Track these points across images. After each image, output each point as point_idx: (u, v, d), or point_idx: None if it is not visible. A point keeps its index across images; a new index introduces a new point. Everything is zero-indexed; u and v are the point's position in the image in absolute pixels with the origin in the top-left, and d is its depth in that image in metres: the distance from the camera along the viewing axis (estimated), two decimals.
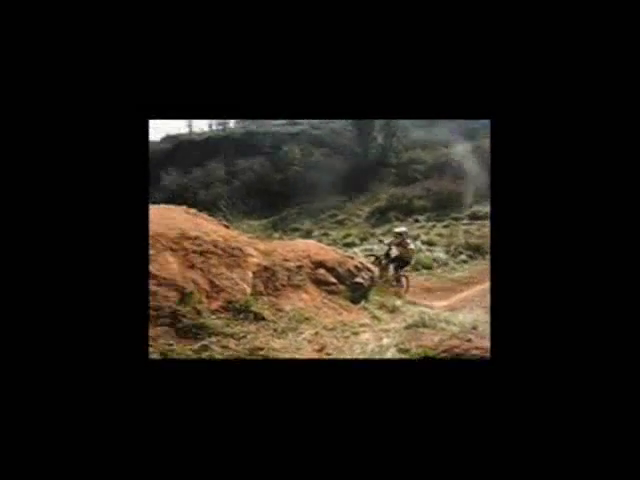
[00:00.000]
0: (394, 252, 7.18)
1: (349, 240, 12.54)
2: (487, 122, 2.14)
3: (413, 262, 7.82)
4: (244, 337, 2.82)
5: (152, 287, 2.86)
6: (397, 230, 7.71)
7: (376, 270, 5.99)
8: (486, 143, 17.03)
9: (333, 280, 4.42)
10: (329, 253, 4.98)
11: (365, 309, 4.20)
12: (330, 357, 2.89)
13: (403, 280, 7.14)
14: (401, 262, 7.17)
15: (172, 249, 3.39)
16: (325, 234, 13.71)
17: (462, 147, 17.70)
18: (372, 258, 7.32)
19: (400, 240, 7.21)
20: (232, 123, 26.29)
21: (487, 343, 2.28)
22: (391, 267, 7.09)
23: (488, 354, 2.16)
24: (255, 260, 3.82)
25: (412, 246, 7.43)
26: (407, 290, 6.98)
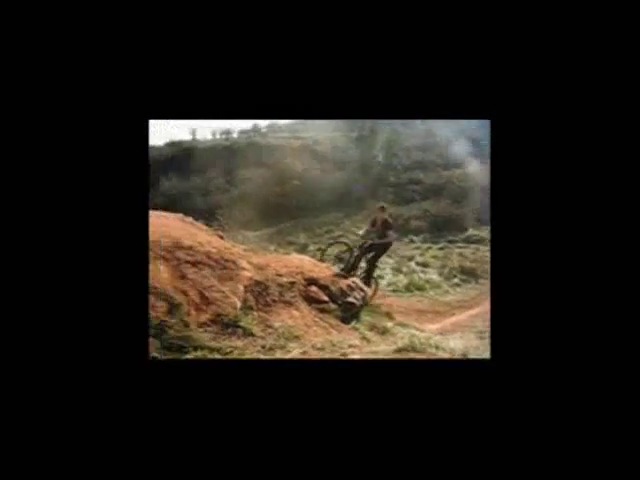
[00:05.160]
0: (371, 237, 5.95)
1: (344, 256, 12.46)
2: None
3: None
4: (230, 352, 2.78)
5: None
6: (381, 204, 6.32)
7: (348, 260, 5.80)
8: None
9: (325, 298, 4.39)
10: (323, 270, 4.97)
11: (355, 329, 4.17)
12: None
13: (372, 283, 6.08)
14: (377, 251, 5.99)
15: (165, 258, 3.36)
16: (320, 249, 13.67)
17: (460, 170, 17.82)
18: (343, 247, 6.25)
19: (384, 218, 5.90)
20: (236, 134, 26.33)
21: None
22: (363, 260, 6.00)
23: None
24: (248, 274, 3.80)
25: (392, 232, 6.04)
26: (375, 295, 5.99)
